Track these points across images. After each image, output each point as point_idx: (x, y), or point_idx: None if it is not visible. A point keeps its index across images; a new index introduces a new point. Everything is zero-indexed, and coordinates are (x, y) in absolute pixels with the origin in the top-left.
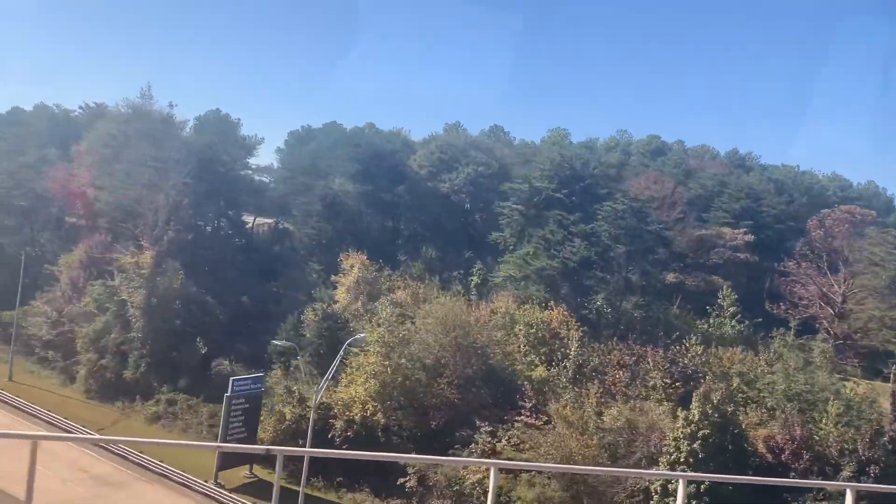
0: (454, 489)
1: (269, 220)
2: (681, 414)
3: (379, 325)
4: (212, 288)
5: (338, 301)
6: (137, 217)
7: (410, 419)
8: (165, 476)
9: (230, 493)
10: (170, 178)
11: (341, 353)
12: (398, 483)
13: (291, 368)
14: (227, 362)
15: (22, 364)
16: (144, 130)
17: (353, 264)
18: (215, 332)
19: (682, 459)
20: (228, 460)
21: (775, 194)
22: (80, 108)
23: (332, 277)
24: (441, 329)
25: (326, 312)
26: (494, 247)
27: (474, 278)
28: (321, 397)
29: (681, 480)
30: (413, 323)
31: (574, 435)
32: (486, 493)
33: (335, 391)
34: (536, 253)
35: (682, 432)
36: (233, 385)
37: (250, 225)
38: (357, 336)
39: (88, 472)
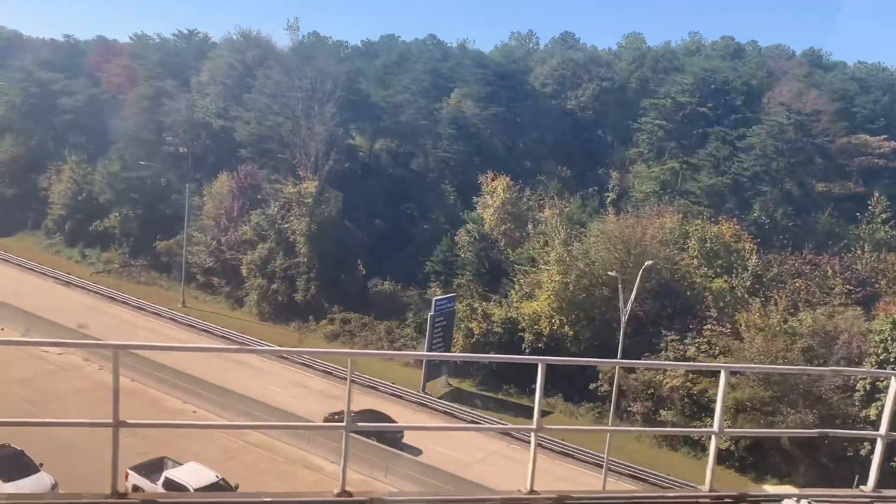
0: (649, 392)
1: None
2: (884, 316)
3: (546, 245)
4: (350, 212)
5: (486, 222)
6: (286, 147)
7: (594, 331)
8: (374, 388)
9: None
10: (324, 108)
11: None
12: (590, 388)
13: (454, 286)
14: (387, 282)
15: (186, 291)
16: (282, 60)
17: (498, 186)
18: (365, 254)
19: (892, 360)
20: (431, 373)
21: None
22: (175, 36)
23: (474, 199)
24: (614, 245)
25: (481, 233)
26: (623, 163)
27: (610, 194)
28: (505, 313)
29: (892, 378)
30: (581, 241)
31: (770, 340)
32: (687, 396)
33: (508, 307)
34: (698, 167)
35: (892, 334)
36: (435, 304)
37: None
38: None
39: (308, 387)
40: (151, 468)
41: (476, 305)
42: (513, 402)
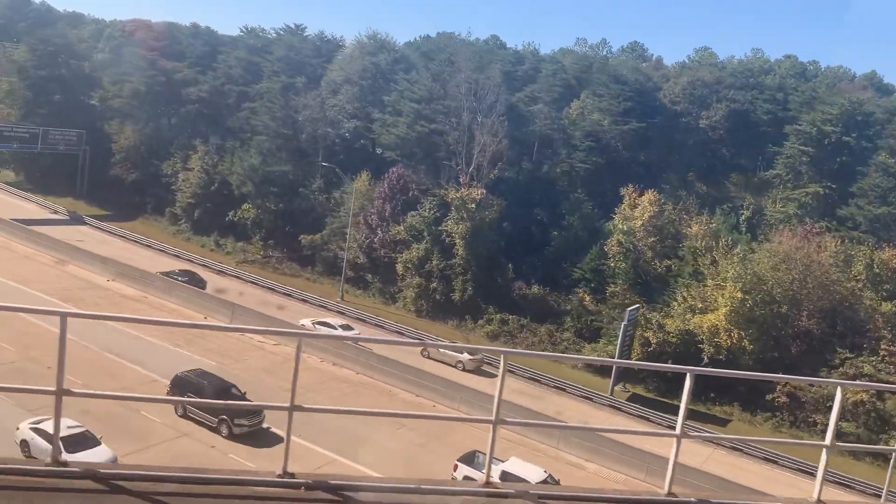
0: (828, 405)
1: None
2: None
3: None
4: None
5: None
6: (440, 150)
7: (768, 345)
8: (563, 389)
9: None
10: (487, 117)
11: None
12: (767, 398)
13: (607, 294)
14: (535, 286)
15: (336, 285)
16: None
17: (644, 200)
18: (510, 256)
19: None
20: (617, 377)
21: None
22: (276, 31)
23: (618, 209)
24: (788, 265)
25: (633, 244)
26: (753, 182)
27: (745, 212)
28: (681, 324)
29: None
30: (746, 258)
31: None
32: (874, 411)
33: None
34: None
35: None
36: (628, 314)
37: None
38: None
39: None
40: (469, 460)
41: (650, 316)
42: (689, 408)
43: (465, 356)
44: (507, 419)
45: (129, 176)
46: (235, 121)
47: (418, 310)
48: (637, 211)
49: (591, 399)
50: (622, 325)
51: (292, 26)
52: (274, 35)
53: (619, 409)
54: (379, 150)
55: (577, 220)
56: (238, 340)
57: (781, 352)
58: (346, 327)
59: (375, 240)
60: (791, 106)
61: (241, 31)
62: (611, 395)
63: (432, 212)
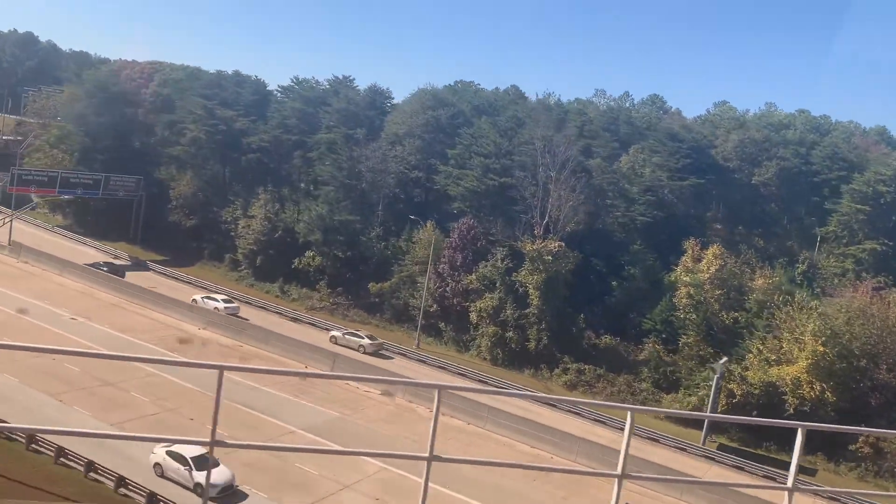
0: None
1: None
2: None
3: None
4: None
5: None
6: (509, 202)
7: (847, 396)
8: (655, 440)
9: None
10: (561, 172)
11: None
12: (849, 448)
13: (679, 346)
14: (607, 336)
15: (406, 332)
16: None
17: (710, 253)
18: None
19: None
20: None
21: None
22: (327, 82)
23: (680, 261)
24: (867, 320)
25: (701, 296)
26: (810, 238)
27: (800, 266)
28: (764, 375)
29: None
30: (821, 313)
31: None
32: None
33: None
34: None
35: None
36: (719, 367)
37: None
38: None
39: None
40: None
41: (733, 367)
42: (773, 457)
43: (366, 341)
44: (633, 473)
45: (188, 222)
46: (291, 169)
47: (494, 358)
48: (702, 264)
49: (684, 450)
50: (715, 378)
51: (341, 77)
52: (326, 86)
53: (713, 460)
54: (449, 203)
55: (639, 271)
56: (346, 390)
57: (860, 404)
58: (228, 301)
59: (447, 289)
60: (834, 164)
61: (292, 81)
62: (703, 445)
63: (504, 262)
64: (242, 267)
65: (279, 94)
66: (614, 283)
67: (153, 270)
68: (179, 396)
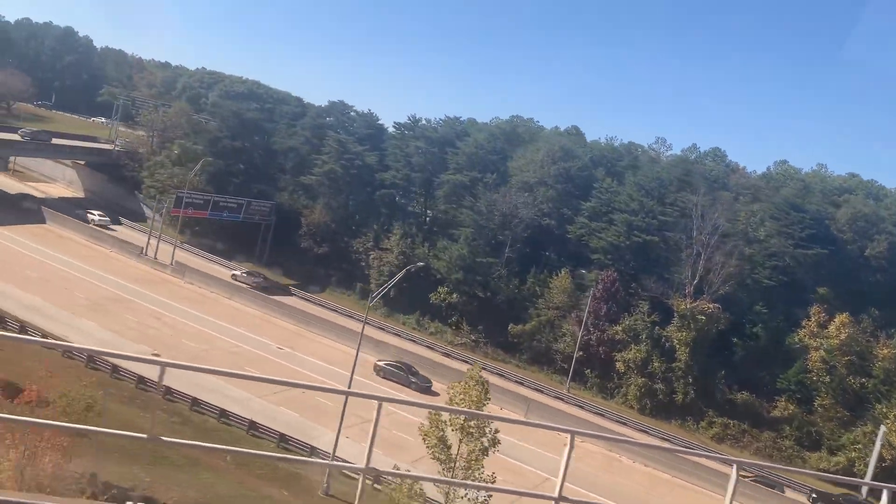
0: None
1: None
2: None
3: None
4: None
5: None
6: (654, 258)
7: None
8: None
9: None
10: (713, 236)
11: None
12: None
13: (815, 406)
14: (744, 392)
15: (550, 376)
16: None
17: (838, 320)
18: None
19: None
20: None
21: None
22: (442, 121)
23: (806, 326)
24: None
25: (834, 361)
26: None
27: None
28: None
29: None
30: None
31: None
32: None
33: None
34: None
35: None
36: (881, 433)
37: None
38: None
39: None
40: None
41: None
42: None
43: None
44: None
45: (319, 249)
46: (417, 205)
47: (642, 407)
48: (830, 329)
49: None
50: (878, 441)
51: (462, 118)
52: (441, 125)
53: None
54: (580, 250)
55: (763, 331)
56: (553, 435)
57: None
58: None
59: (592, 337)
60: None
61: (409, 119)
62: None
63: (651, 316)
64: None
65: (394, 130)
66: (736, 340)
67: (295, 296)
68: None
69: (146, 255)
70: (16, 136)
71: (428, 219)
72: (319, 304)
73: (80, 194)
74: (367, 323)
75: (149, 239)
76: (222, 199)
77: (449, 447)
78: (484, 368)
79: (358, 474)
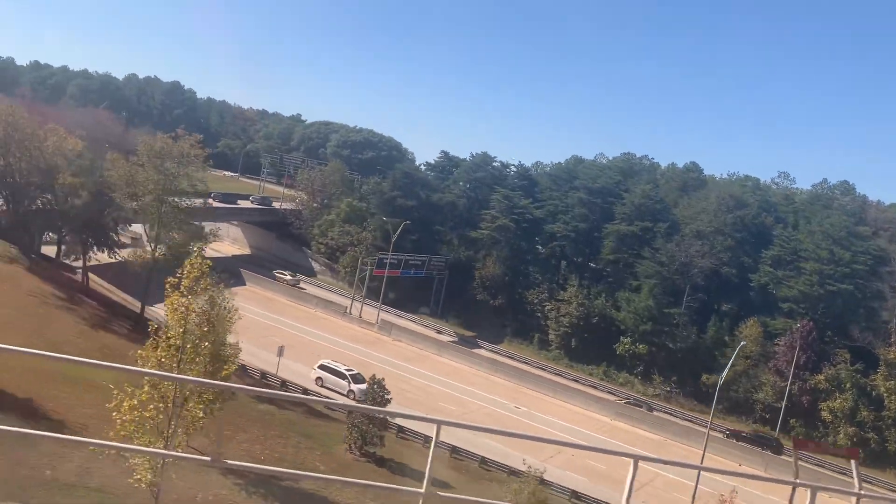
0: None
1: None
2: None
3: None
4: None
5: None
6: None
7: None
8: None
9: None
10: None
11: None
12: None
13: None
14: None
15: (751, 426)
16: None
17: None
18: None
19: None
20: None
21: None
22: (614, 167)
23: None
24: None
25: None
26: None
27: None
28: None
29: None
30: None
31: None
32: None
33: None
34: None
35: None
36: None
37: None
38: None
39: None
40: None
41: None
42: None
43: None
44: None
45: (495, 301)
46: (587, 256)
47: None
48: None
49: None
50: None
51: (607, 161)
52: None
53: None
54: (764, 296)
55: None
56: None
57: None
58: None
59: (794, 387)
60: None
61: (564, 166)
62: None
63: (855, 365)
64: (553, 346)
65: (548, 180)
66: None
67: (483, 348)
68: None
69: (349, 313)
70: (248, 203)
71: (603, 269)
72: (508, 356)
73: (247, 251)
74: (558, 374)
75: (353, 299)
76: (411, 257)
77: None
78: (686, 419)
79: None
